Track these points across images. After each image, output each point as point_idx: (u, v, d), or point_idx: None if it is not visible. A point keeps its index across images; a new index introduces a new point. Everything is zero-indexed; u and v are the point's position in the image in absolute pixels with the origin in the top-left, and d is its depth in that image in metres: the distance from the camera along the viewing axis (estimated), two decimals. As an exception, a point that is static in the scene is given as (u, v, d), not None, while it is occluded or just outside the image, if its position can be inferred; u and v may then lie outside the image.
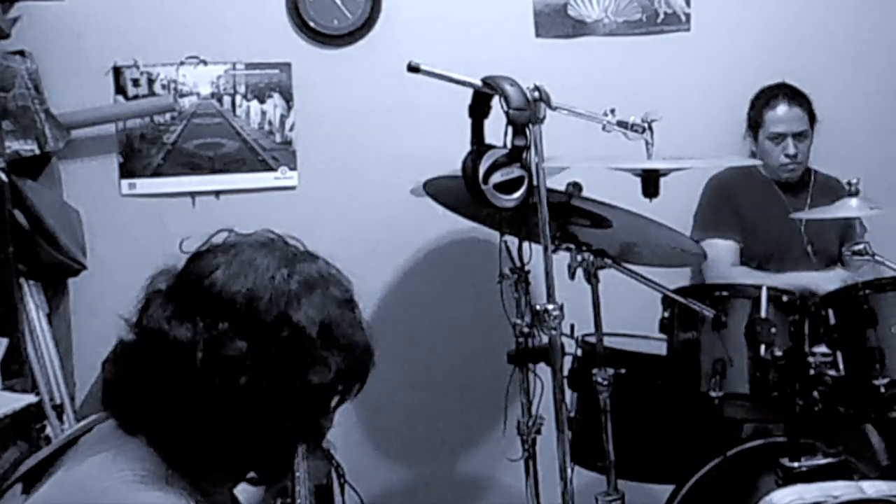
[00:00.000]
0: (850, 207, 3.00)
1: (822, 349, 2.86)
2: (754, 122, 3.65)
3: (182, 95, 3.50)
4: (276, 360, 1.39)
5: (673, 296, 2.91)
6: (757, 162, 3.62)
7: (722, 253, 3.53)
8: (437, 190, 3.24)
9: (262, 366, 1.38)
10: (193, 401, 1.39)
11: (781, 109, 3.59)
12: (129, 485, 1.37)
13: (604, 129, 2.84)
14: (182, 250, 1.50)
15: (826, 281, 3.35)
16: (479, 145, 2.73)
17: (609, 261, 2.82)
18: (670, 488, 2.98)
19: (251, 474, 1.53)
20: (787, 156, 3.57)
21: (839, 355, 2.83)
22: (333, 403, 1.50)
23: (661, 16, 3.79)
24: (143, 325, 1.43)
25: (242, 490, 1.65)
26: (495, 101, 2.69)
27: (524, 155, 2.65)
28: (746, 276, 3.39)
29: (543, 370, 2.92)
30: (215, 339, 1.38)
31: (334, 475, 2.06)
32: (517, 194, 2.69)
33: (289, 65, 3.58)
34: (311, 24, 3.55)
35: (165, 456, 1.41)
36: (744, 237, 3.60)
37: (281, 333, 1.40)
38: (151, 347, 1.41)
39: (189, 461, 1.43)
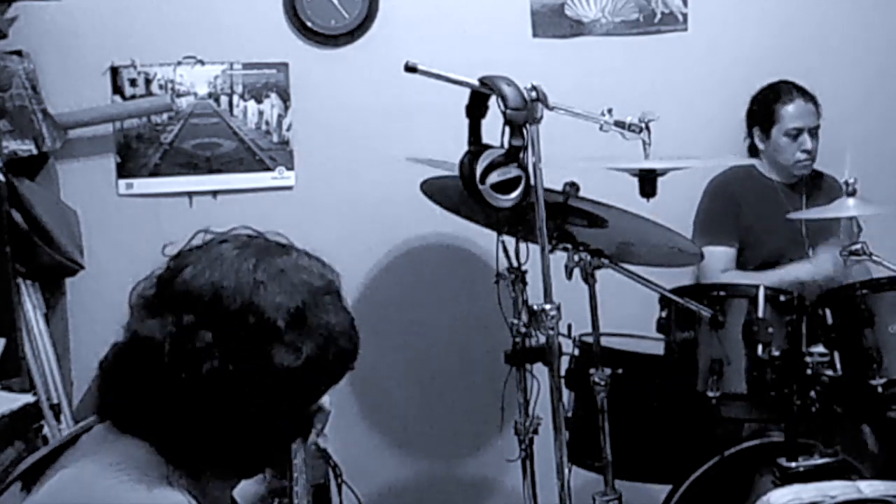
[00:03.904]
0: (847, 207, 3.00)
1: (820, 349, 2.86)
2: (765, 119, 3.59)
3: (179, 95, 3.50)
4: (241, 347, 1.40)
5: (670, 296, 2.91)
6: (754, 161, 3.62)
7: (713, 260, 3.48)
8: (434, 190, 3.24)
9: (227, 353, 1.40)
10: (173, 397, 1.41)
11: (798, 104, 3.54)
12: (131, 484, 1.38)
13: (601, 128, 2.83)
14: (164, 254, 1.51)
15: (820, 265, 3.37)
16: (476, 145, 2.72)
17: (606, 261, 2.82)
18: (668, 488, 2.98)
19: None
20: (803, 151, 3.53)
21: (836, 355, 2.84)
22: (319, 390, 1.50)
23: (659, 16, 3.80)
24: (128, 328, 1.46)
25: (240, 489, 1.65)
26: (492, 101, 2.68)
27: (521, 155, 2.65)
28: (737, 279, 3.37)
29: (541, 370, 2.92)
30: (181, 332, 1.40)
31: (332, 475, 2.06)
32: (514, 194, 2.68)
33: (286, 65, 3.58)
34: (309, 24, 3.55)
35: (164, 454, 1.43)
36: (745, 240, 3.59)
37: (247, 321, 1.41)
38: (132, 349, 1.44)
39: (186, 458, 1.44)
